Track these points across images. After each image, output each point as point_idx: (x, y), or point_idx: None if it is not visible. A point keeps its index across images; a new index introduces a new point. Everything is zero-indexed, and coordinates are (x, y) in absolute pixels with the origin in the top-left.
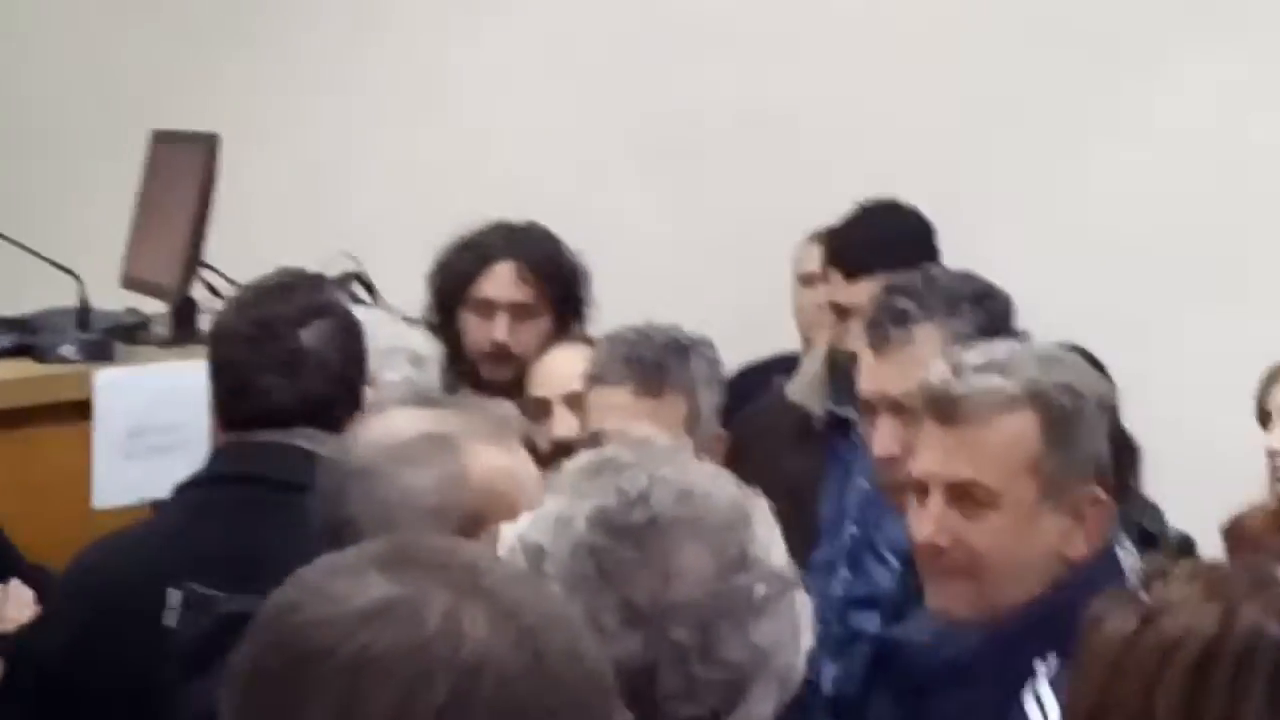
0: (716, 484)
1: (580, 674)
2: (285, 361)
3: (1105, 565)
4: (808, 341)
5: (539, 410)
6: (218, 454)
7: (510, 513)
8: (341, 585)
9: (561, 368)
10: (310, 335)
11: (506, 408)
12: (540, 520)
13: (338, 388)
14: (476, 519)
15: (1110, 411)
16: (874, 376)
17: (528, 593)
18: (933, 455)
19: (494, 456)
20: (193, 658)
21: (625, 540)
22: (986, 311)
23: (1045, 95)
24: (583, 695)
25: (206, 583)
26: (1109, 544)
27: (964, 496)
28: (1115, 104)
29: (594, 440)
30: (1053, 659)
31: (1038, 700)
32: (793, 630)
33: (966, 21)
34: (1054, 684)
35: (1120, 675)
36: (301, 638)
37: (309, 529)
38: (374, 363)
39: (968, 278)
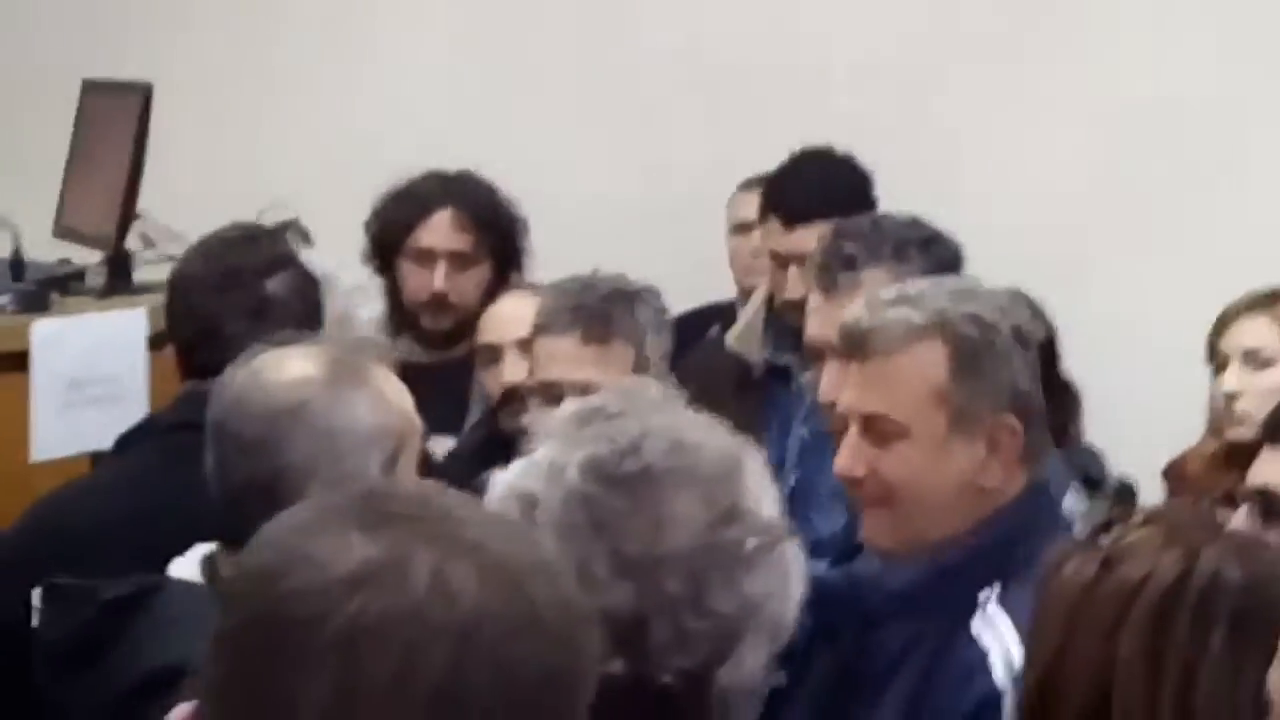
0: (708, 434)
1: (570, 619)
2: (253, 309)
3: (1040, 500)
4: (743, 289)
5: (489, 356)
6: (183, 400)
7: (414, 433)
8: (322, 547)
9: (511, 313)
10: (275, 284)
11: (369, 338)
12: (532, 468)
13: (302, 337)
14: (400, 440)
15: (1036, 347)
16: (821, 320)
17: (511, 541)
18: (848, 390)
19: (390, 378)
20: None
21: (617, 490)
22: (934, 257)
23: (988, 33)
24: (577, 642)
25: (174, 528)
26: (1039, 479)
27: (875, 428)
28: (1053, 42)
29: (546, 389)
30: (996, 588)
31: (988, 622)
32: (783, 582)
33: None
34: (1000, 603)
35: (1081, 620)
36: (287, 608)
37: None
38: (344, 302)
39: (915, 223)
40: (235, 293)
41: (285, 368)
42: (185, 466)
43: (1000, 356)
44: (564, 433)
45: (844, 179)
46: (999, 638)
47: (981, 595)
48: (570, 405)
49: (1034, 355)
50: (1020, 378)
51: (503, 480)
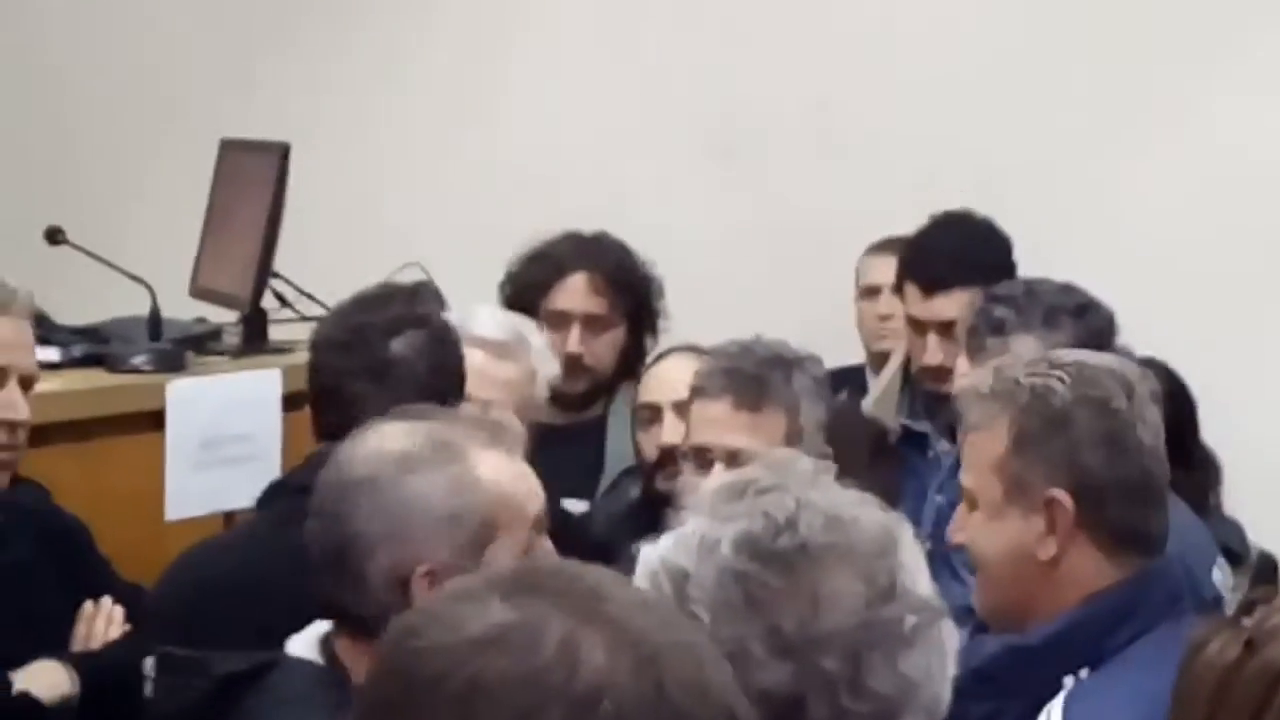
0: (863, 509)
1: (704, 705)
2: (374, 369)
3: (1143, 586)
4: (870, 353)
5: (648, 416)
6: (310, 462)
7: (520, 519)
8: (460, 611)
9: (670, 375)
10: (400, 344)
11: (503, 417)
12: (683, 542)
13: (425, 397)
14: (490, 524)
15: (1135, 422)
16: None
17: (651, 620)
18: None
19: (498, 460)
20: None
21: (773, 567)
22: (1086, 325)
23: (1121, 94)
24: None
25: (286, 593)
26: (1149, 565)
27: (967, 497)
28: (1179, 104)
29: (698, 454)
30: (1084, 674)
31: (1049, 712)
32: (941, 661)
33: (1040, 16)
34: (1072, 697)
35: (1224, 704)
36: (417, 664)
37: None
38: (534, 360)
39: (1069, 290)
40: (358, 352)
41: (374, 439)
42: (293, 530)
43: (1061, 431)
44: (714, 506)
45: (983, 245)
46: None
47: (1067, 680)
48: (721, 478)
49: (1123, 430)
50: (1086, 454)
51: (652, 555)
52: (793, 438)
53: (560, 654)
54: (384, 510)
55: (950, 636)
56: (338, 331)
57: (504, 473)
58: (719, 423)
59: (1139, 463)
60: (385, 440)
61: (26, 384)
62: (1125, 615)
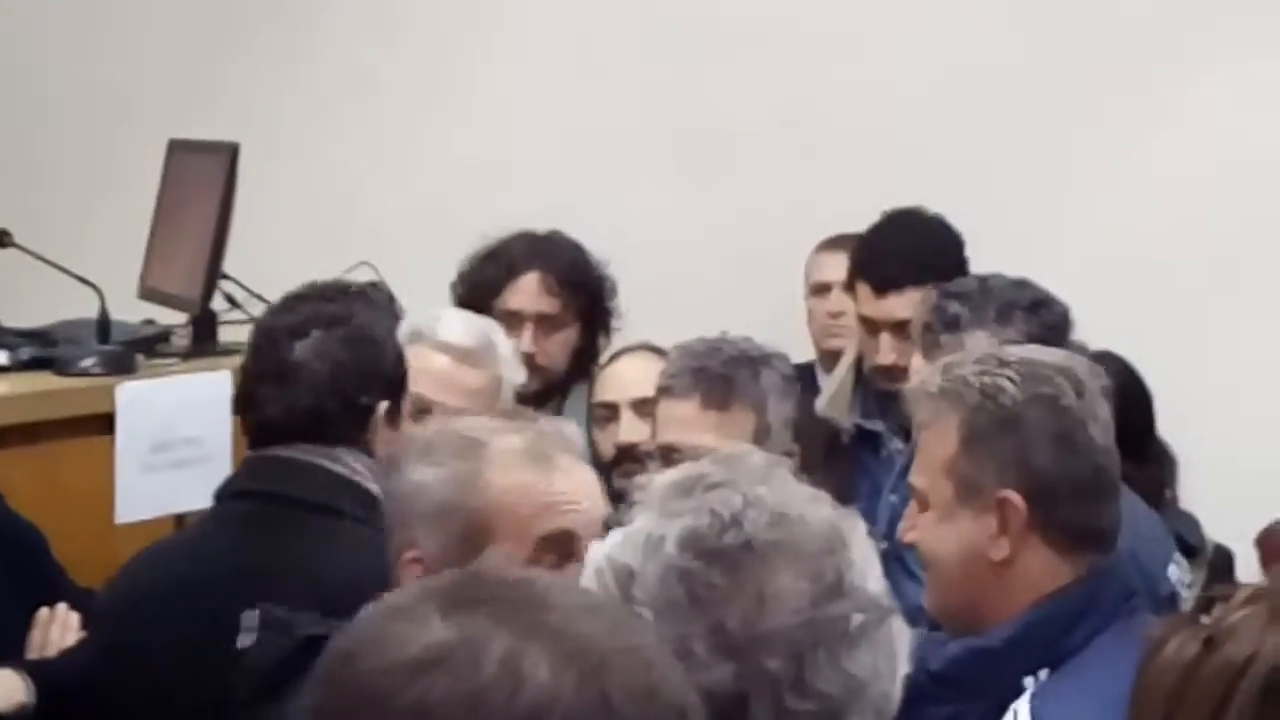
0: (812, 506)
1: (652, 709)
2: (276, 371)
3: (1098, 584)
4: (820, 350)
5: (605, 415)
6: (237, 469)
7: (522, 533)
8: (400, 629)
9: (626, 373)
10: (304, 347)
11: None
12: (629, 540)
13: (327, 401)
14: (484, 529)
15: (1085, 420)
16: None
17: (597, 626)
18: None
19: (523, 470)
20: (269, 680)
21: (717, 564)
22: (1040, 321)
23: (1080, 97)
24: None
25: (211, 599)
26: (1102, 562)
27: (917, 497)
28: (1148, 106)
29: (665, 453)
30: (1043, 674)
31: (1015, 713)
32: (890, 659)
33: (1001, 22)
34: (1037, 698)
35: (1183, 702)
36: (358, 686)
37: (306, 540)
38: (502, 369)
39: (1023, 285)
40: (264, 355)
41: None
42: (235, 532)
43: (1011, 430)
44: (662, 502)
45: (935, 244)
46: None
47: (1027, 681)
48: (669, 474)
49: (1074, 428)
50: (1037, 453)
51: (599, 552)
52: (761, 435)
53: (502, 672)
54: (393, 494)
55: (901, 635)
56: (254, 334)
57: (518, 484)
58: (687, 422)
59: (1091, 460)
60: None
61: None
62: (1081, 614)
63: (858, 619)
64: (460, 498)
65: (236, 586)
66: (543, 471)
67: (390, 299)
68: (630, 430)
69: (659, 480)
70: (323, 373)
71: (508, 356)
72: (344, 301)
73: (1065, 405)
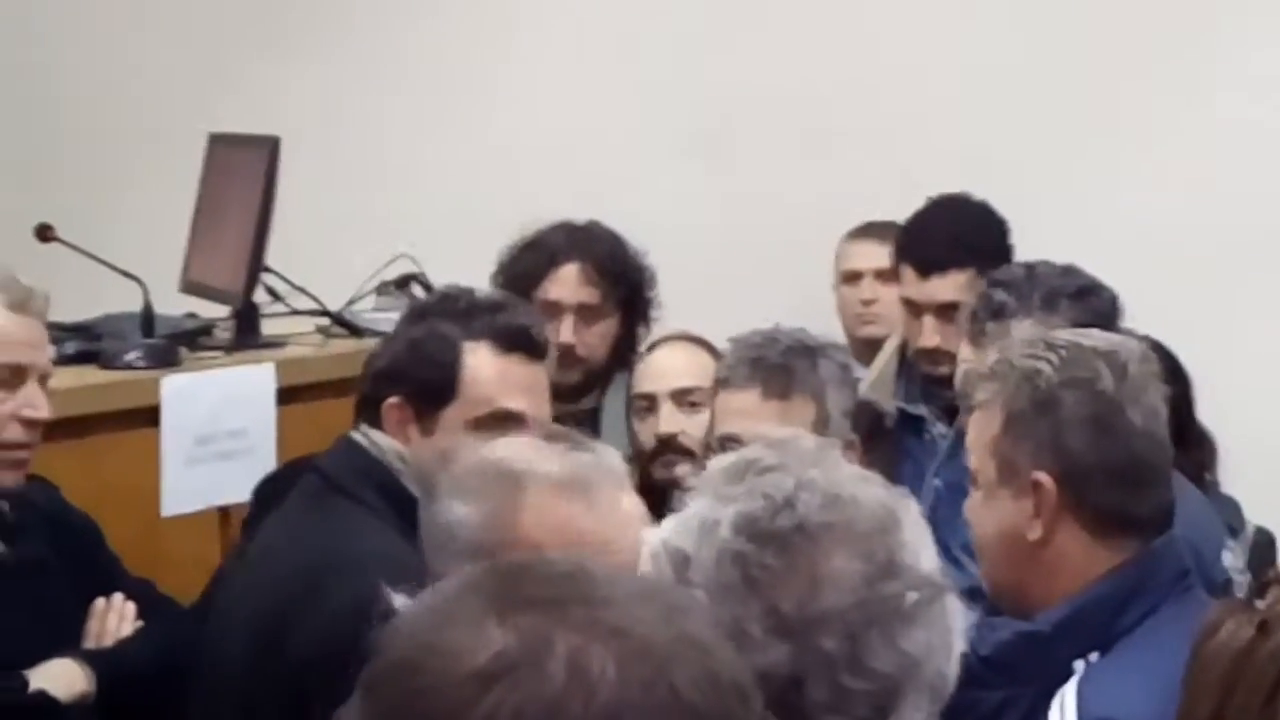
0: (864, 487)
1: (716, 694)
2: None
3: (1146, 568)
4: (853, 339)
5: (645, 406)
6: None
7: None
8: (457, 638)
9: (665, 364)
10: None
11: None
12: (684, 524)
13: (365, 388)
14: None
15: (1125, 404)
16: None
17: (652, 615)
18: None
19: (557, 508)
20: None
21: (771, 547)
22: (1087, 307)
23: (1108, 80)
24: (722, 717)
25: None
26: (1153, 547)
27: (972, 478)
28: (1166, 94)
29: (726, 444)
30: (1094, 657)
31: (1061, 705)
32: (944, 637)
33: (1026, 5)
34: (1085, 681)
35: (1237, 686)
36: (423, 705)
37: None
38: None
39: (1071, 273)
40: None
41: (480, 450)
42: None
43: (1047, 412)
44: (717, 487)
45: (980, 227)
46: (1058, 718)
47: (1077, 664)
48: (722, 459)
49: (1110, 412)
50: (1070, 436)
51: (655, 537)
52: (820, 425)
53: (571, 679)
54: (428, 525)
55: (956, 613)
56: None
57: (554, 524)
58: (748, 413)
59: (1126, 446)
60: (476, 456)
61: (41, 382)
62: (1132, 596)
63: (911, 597)
64: (495, 539)
65: (261, 558)
66: (581, 506)
67: (429, 289)
68: (669, 421)
69: (712, 466)
70: (370, 360)
71: None
72: (434, 303)
73: (1101, 389)
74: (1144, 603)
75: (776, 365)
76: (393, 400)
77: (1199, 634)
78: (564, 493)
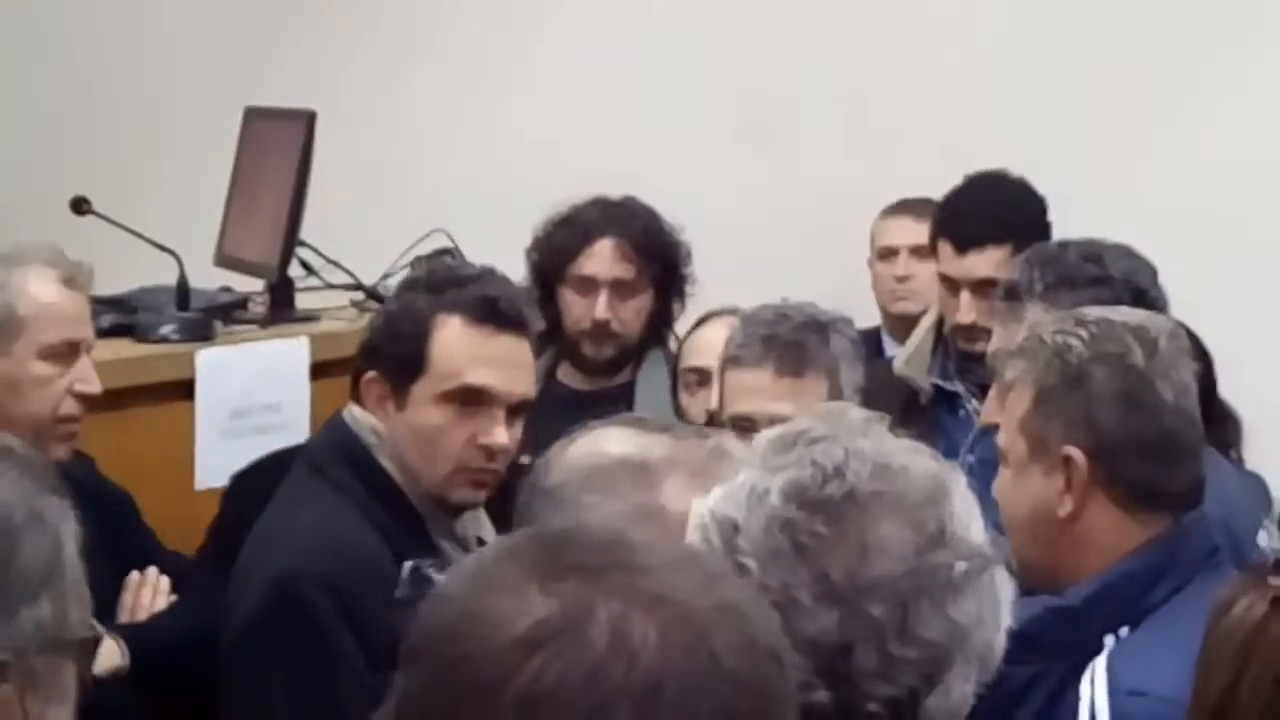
0: (914, 457)
1: (754, 661)
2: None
3: (1177, 542)
4: (888, 315)
5: (697, 379)
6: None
7: None
8: (498, 604)
9: (718, 338)
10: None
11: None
12: (733, 493)
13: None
14: None
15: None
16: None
17: (691, 581)
18: None
19: (694, 496)
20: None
21: (820, 514)
22: (1093, 298)
23: (1152, 63)
24: (761, 683)
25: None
26: (1184, 522)
27: (1001, 453)
28: (1203, 74)
29: (738, 422)
30: (1124, 632)
31: (1091, 679)
32: (993, 607)
33: None
34: (1114, 655)
35: (1250, 660)
36: (465, 672)
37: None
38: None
39: (1093, 259)
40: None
41: (585, 445)
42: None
43: (1077, 387)
44: (765, 457)
45: (1017, 203)
46: (1089, 692)
47: (1107, 639)
48: (772, 430)
49: (1140, 387)
50: (1101, 410)
51: (703, 506)
52: (834, 400)
53: (614, 646)
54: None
55: (1004, 585)
56: None
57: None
58: (761, 390)
59: (1157, 420)
60: (589, 451)
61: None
62: (1162, 571)
63: (960, 567)
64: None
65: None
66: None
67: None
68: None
69: (761, 436)
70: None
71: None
72: (420, 279)
73: (1132, 364)
74: (1174, 578)
75: (789, 342)
76: (370, 375)
77: (1214, 609)
78: (698, 478)
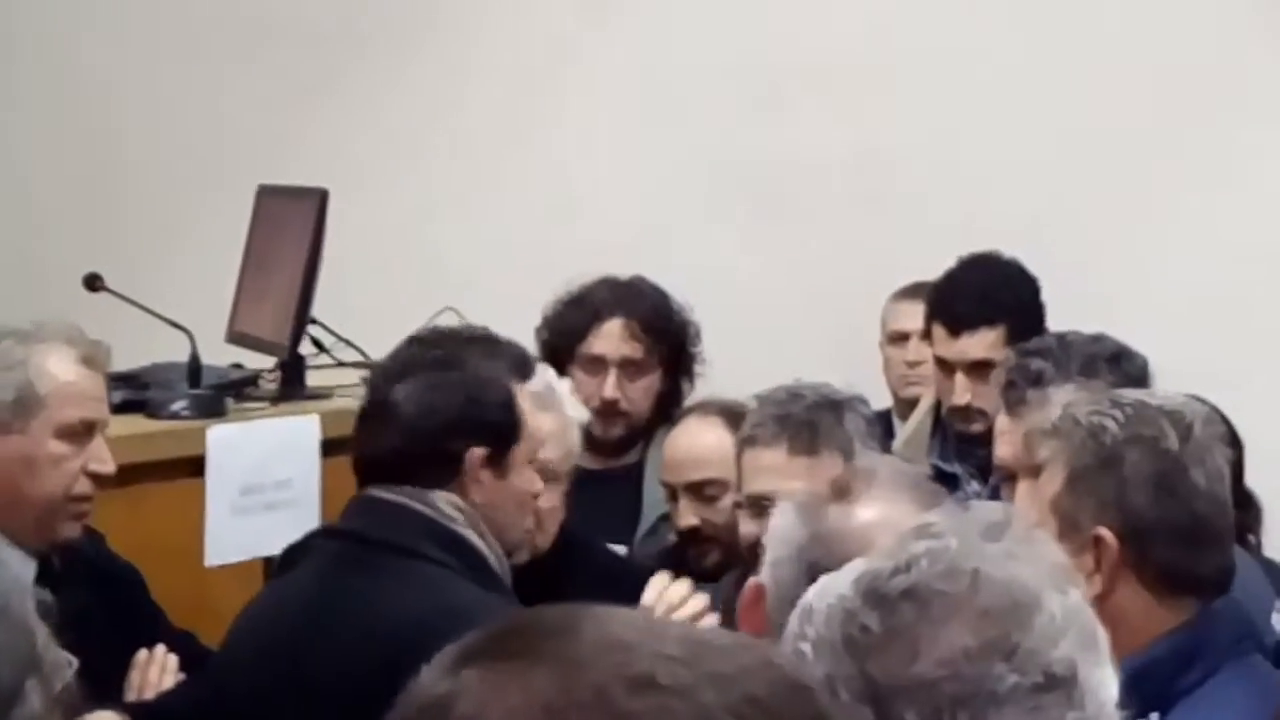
0: (1008, 564)
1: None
2: (375, 413)
3: (1204, 628)
4: (898, 400)
5: (668, 494)
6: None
7: None
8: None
9: (684, 452)
10: (402, 389)
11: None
12: (831, 579)
13: (414, 444)
14: None
15: (1187, 462)
16: (1008, 441)
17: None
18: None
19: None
20: None
21: (879, 609)
22: (1122, 372)
23: (1158, 146)
24: None
25: (284, 637)
26: (1213, 607)
27: None
28: (1216, 144)
29: (755, 502)
30: (1154, 718)
31: None
32: None
33: (1077, 71)
34: None
35: None
36: None
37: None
38: (569, 408)
39: (1101, 339)
40: (370, 395)
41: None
42: (316, 570)
43: (1111, 469)
44: (890, 547)
45: (1010, 285)
46: None
47: None
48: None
49: (1174, 471)
50: (1134, 493)
51: (809, 594)
52: None
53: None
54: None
55: (1071, 707)
56: (368, 375)
57: None
58: (776, 470)
59: (1189, 506)
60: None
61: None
62: (1192, 657)
63: (1010, 680)
64: None
65: (306, 623)
66: None
67: (510, 347)
68: (686, 515)
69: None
70: (411, 415)
71: (567, 395)
72: (453, 346)
73: (1166, 448)
74: (1204, 664)
75: (803, 421)
76: (478, 451)
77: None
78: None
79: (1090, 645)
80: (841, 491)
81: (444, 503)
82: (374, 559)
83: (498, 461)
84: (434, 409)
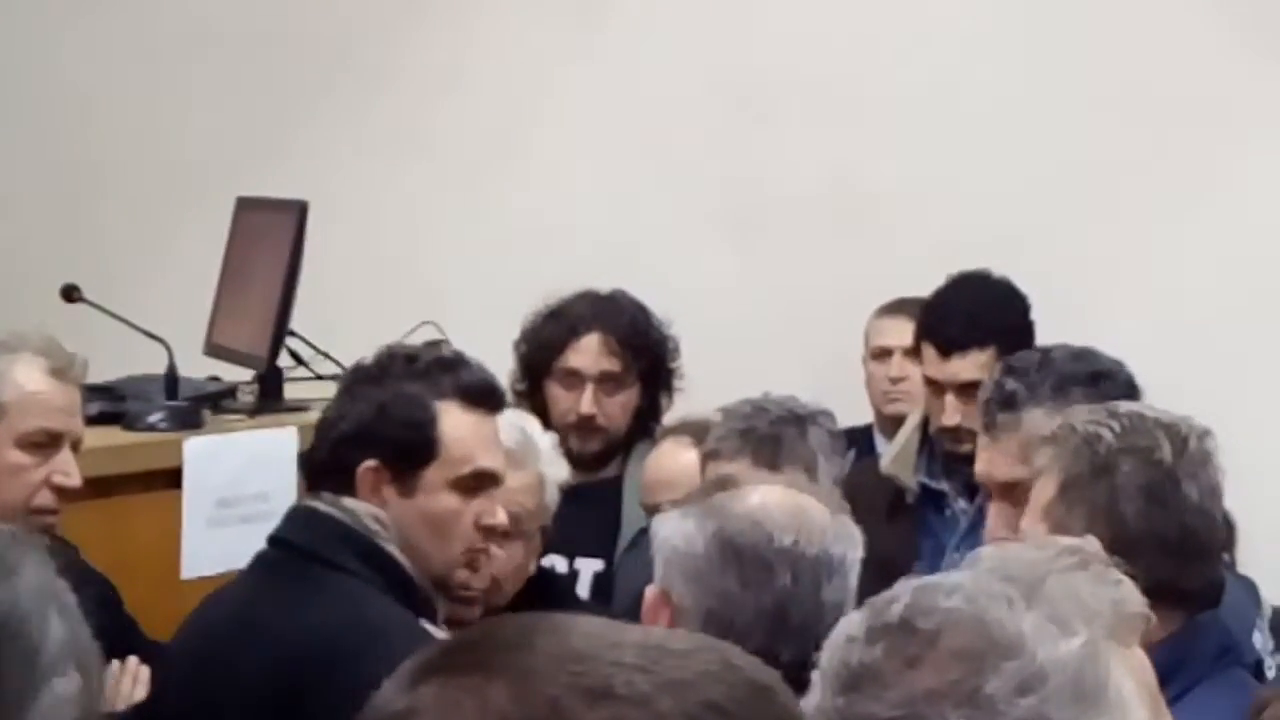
0: (1004, 609)
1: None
2: (318, 424)
3: (1190, 638)
4: (881, 416)
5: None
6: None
7: None
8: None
9: (655, 474)
10: (335, 401)
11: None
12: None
13: (317, 451)
14: None
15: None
16: (986, 459)
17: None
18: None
19: None
20: None
21: (881, 641)
22: (1100, 393)
23: (1142, 159)
24: None
25: (217, 645)
26: (1197, 620)
27: None
28: (1204, 167)
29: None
30: None
31: None
32: None
33: (1058, 87)
34: None
35: None
36: None
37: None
38: (544, 466)
39: (1084, 356)
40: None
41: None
42: (253, 579)
43: (1103, 478)
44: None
45: (1001, 306)
46: None
47: None
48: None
49: (1165, 483)
50: (1124, 503)
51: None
52: None
53: None
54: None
55: None
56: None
57: None
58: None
59: (1179, 518)
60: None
61: (75, 447)
62: (1176, 669)
63: (955, 716)
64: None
65: (236, 632)
66: None
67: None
68: None
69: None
70: (323, 422)
71: (548, 452)
72: (396, 362)
73: (1159, 460)
74: (1186, 677)
75: (765, 435)
76: (369, 464)
77: (1250, 713)
78: None
79: (1082, 699)
80: (722, 484)
81: (364, 513)
82: (296, 568)
83: (402, 480)
84: (341, 417)
